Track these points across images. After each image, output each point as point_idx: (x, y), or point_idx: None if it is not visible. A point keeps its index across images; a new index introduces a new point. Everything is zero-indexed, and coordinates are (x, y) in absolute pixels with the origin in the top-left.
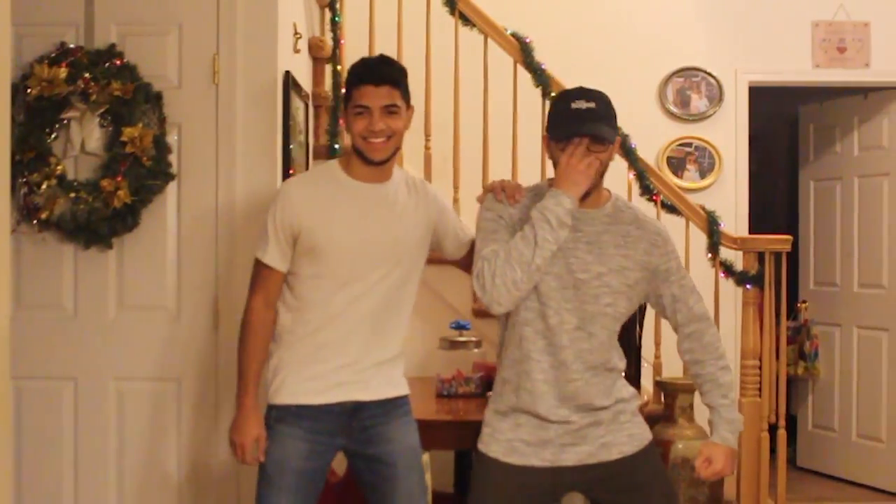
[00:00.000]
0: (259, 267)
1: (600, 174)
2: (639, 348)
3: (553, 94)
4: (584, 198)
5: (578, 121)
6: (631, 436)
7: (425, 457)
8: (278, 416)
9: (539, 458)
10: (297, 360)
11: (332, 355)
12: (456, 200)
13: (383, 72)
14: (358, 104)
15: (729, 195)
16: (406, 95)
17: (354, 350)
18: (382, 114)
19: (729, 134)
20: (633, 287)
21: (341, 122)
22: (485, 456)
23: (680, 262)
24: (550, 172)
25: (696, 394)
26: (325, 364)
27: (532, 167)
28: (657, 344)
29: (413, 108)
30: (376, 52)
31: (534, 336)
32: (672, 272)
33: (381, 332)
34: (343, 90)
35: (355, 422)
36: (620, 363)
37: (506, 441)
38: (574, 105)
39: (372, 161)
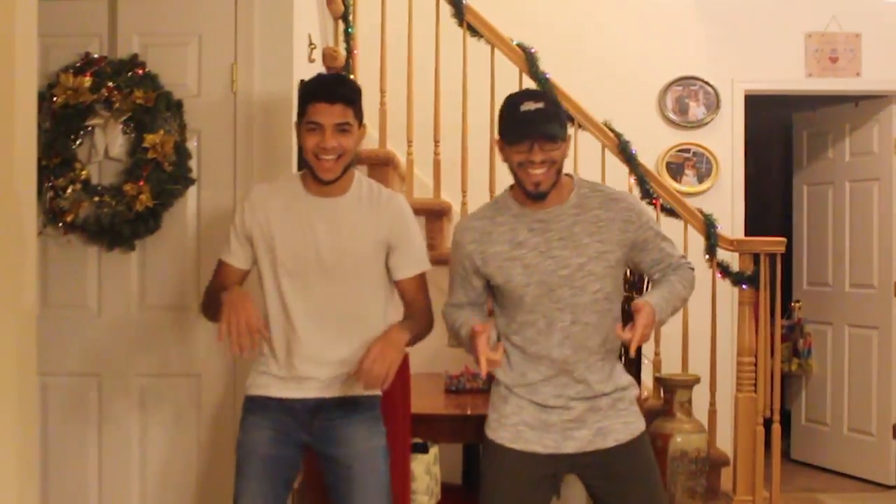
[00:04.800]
0: (217, 264)
1: (557, 171)
2: (639, 349)
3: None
4: (544, 198)
5: (530, 123)
6: (626, 423)
7: (434, 449)
8: (248, 407)
9: (542, 444)
10: (267, 357)
11: (294, 356)
12: (464, 204)
13: (338, 90)
14: (311, 120)
15: (726, 199)
16: (359, 114)
17: (315, 352)
18: (334, 131)
19: (726, 140)
20: (615, 267)
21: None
22: (493, 442)
23: (657, 229)
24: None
25: (695, 389)
26: (289, 362)
27: None
28: (657, 341)
29: (365, 127)
30: (388, 63)
31: (525, 343)
32: (650, 241)
33: (342, 336)
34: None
35: (316, 420)
36: (617, 341)
37: (511, 426)
38: (523, 107)
39: (321, 180)
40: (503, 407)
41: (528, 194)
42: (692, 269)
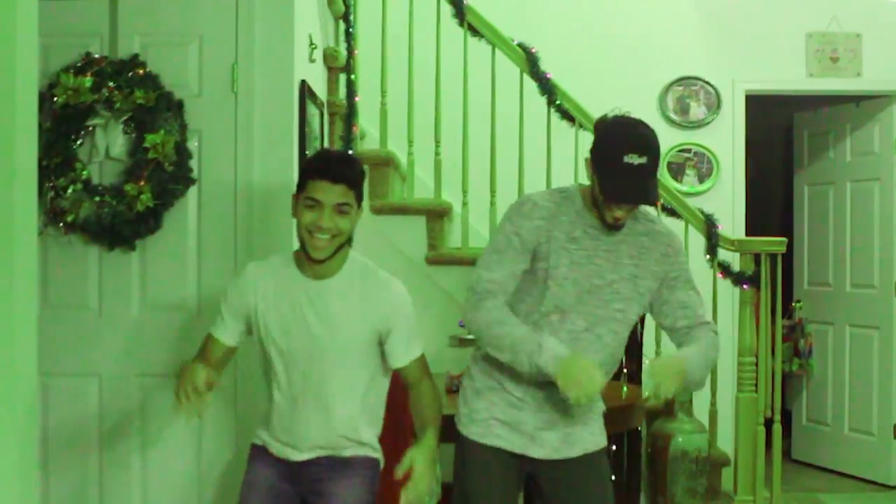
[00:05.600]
0: (205, 338)
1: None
2: (640, 345)
3: (590, 121)
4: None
5: (632, 181)
6: (592, 434)
7: None
8: (252, 453)
9: (510, 442)
10: (266, 416)
11: (277, 430)
12: (465, 204)
13: (342, 170)
14: (310, 196)
15: (727, 199)
16: (360, 197)
17: (292, 429)
18: (333, 211)
19: (727, 140)
20: (644, 295)
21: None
22: (465, 438)
23: (691, 278)
24: (555, 178)
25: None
26: (272, 434)
27: (537, 171)
28: (657, 341)
29: (362, 210)
30: (389, 63)
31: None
32: (680, 281)
33: (319, 416)
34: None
35: (305, 473)
36: (613, 364)
37: (482, 421)
38: (626, 159)
39: (312, 258)
40: (475, 402)
41: (605, 224)
42: (716, 332)
